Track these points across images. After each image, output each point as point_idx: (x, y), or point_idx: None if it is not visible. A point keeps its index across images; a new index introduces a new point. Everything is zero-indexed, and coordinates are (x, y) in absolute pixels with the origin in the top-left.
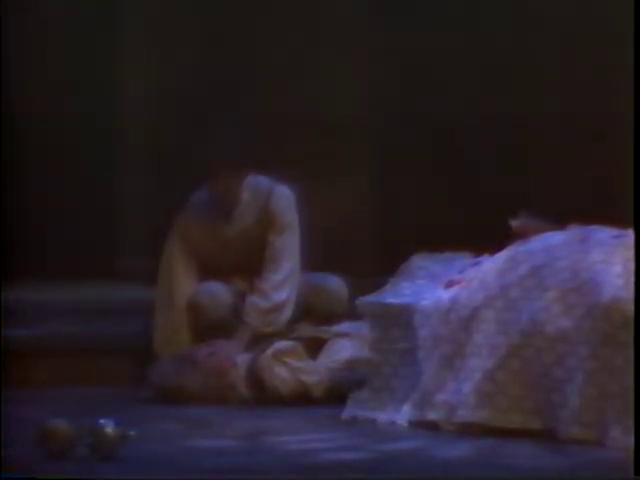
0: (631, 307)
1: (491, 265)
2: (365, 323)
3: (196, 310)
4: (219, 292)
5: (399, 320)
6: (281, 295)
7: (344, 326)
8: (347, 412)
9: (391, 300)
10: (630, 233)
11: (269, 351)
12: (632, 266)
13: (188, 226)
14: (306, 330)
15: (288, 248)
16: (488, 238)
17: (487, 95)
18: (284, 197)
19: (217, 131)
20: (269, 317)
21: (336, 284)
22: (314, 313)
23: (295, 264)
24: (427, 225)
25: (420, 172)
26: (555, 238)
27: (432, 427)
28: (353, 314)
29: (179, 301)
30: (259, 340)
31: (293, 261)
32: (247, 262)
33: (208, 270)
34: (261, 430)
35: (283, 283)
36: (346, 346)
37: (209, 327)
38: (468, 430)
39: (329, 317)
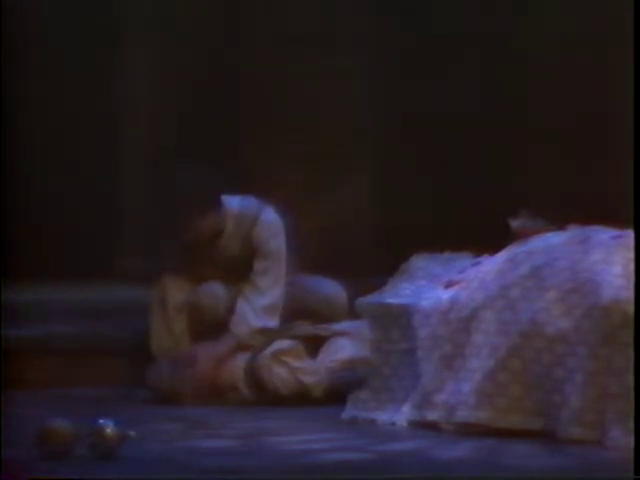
0: (631, 307)
1: (491, 265)
2: (365, 323)
3: (196, 309)
4: (219, 293)
5: (399, 320)
6: (272, 322)
7: (344, 324)
8: (347, 412)
9: (391, 300)
10: (630, 234)
11: (268, 351)
12: (632, 267)
13: (177, 267)
14: (305, 328)
15: (272, 274)
16: (488, 238)
17: (487, 95)
18: (269, 225)
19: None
20: (257, 335)
21: (335, 290)
22: (314, 317)
23: (280, 289)
24: (427, 225)
25: (420, 172)
26: (555, 238)
27: (432, 427)
28: (353, 316)
29: (173, 305)
30: (245, 349)
31: (278, 287)
32: (244, 276)
33: (206, 280)
34: (260, 430)
35: (273, 309)
36: (346, 346)
37: (208, 327)
38: (468, 430)
39: (329, 321)
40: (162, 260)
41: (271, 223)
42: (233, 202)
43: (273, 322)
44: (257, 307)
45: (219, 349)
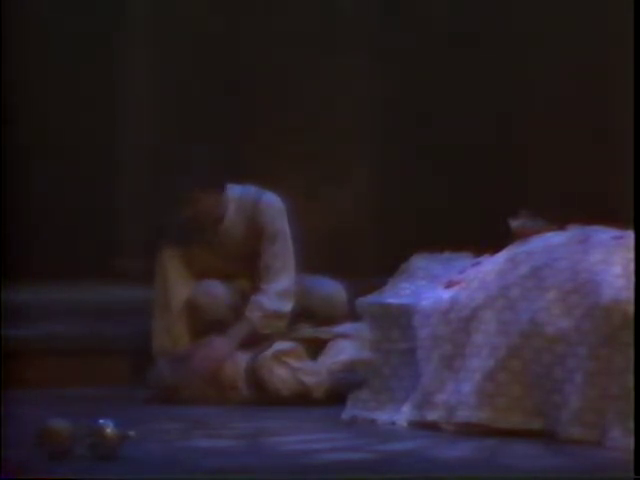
0: (631, 308)
1: (491, 265)
2: (365, 323)
3: (194, 309)
4: (217, 291)
5: (399, 320)
6: (286, 306)
7: (344, 327)
8: (347, 412)
9: (391, 300)
10: (630, 234)
11: (269, 351)
12: (632, 267)
13: (179, 241)
14: (306, 331)
15: (282, 256)
16: (488, 238)
17: (487, 95)
18: (271, 207)
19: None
20: (272, 322)
21: (335, 289)
22: (314, 316)
23: (291, 272)
24: (427, 225)
25: (420, 172)
26: (555, 239)
27: (432, 427)
28: (353, 316)
29: (176, 305)
30: (259, 337)
31: (289, 269)
32: (245, 266)
33: (206, 273)
34: (261, 430)
35: (287, 293)
36: (346, 347)
37: (207, 326)
38: (468, 430)
39: (329, 320)
40: (162, 247)
41: (273, 205)
42: (234, 189)
43: (287, 307)
44: (271, 292)
45: (234, 338)
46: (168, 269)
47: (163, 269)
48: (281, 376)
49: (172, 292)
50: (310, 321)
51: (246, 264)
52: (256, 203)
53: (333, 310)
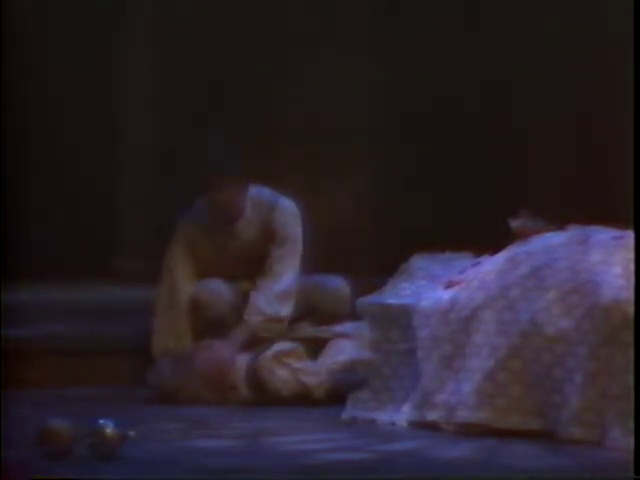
0: (631, 308)
1: (491, 265)
2: (365, 323)
3: (196, 306)
4: (220, 289)
5: (399, 320)
6: (285, 309)
7: (345, 327)
8: (347, 413)
9: (391, 300)
10: (630, 234)
11: (269, 352)
12: (632, 267)
13: (190, 236)
14: (307, 331)
15: (287, 259)
16: (488, 238)
17: (487, 95)
18: (287, 212)
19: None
20: (270, 325)
21: (339, 285)
22: (317, 313)
23: (293, 275)
24: (427, 225)
25: (420, 172)
26: (555, 239)
27: (432, 427)
28: (355, 315)
29: (181, 304)
30: (259, 341)
31: (291, 272)
32: (251, 269)
33: (211, 273)
34: (261, 430)
35: (287, 295)
36: (347, 347)
37: (209, 324)
38: (468, 430)
39: (332, 318)
40: (173, 243)
41: (288, 210)
42: (250, 190)
43: (286, 310)
44: (270, 295)
45: (235, 342)
46: (177, 266)
47: (171, 267)
48: (282, 377)
49: (179, 290)
50: (315, 318)
51: (253, 267)
52: (272, 207)
53: (338, 305)
